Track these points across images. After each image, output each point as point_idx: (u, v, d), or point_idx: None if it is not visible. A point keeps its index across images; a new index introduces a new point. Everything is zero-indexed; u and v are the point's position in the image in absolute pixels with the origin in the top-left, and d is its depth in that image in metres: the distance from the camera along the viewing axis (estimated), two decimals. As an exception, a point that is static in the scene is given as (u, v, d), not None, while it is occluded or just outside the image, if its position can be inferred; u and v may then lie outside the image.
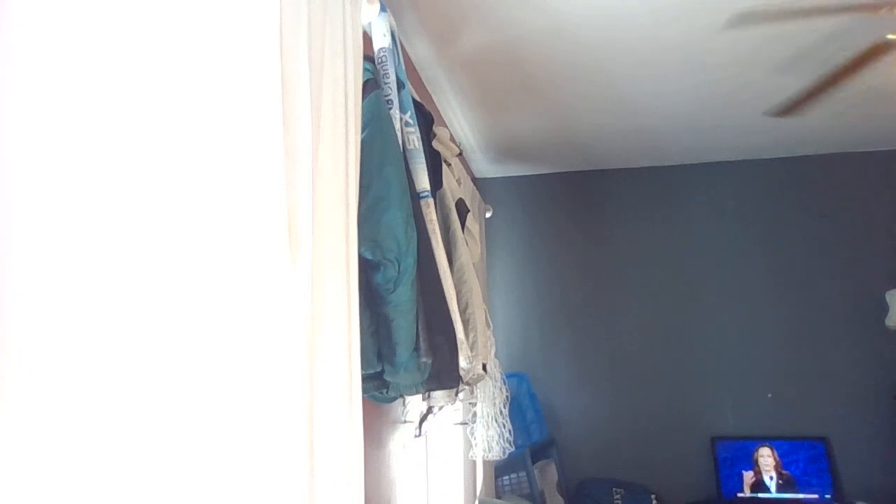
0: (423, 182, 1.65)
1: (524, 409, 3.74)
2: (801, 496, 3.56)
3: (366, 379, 1.37)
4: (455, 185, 2.34)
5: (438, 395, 2.04)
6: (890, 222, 3.79)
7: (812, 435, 3.67)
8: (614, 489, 3.67)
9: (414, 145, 1.64)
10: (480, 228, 3.30)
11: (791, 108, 2.50)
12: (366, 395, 1.50)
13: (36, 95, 0.68)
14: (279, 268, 0.90)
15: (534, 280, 4.16)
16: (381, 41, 1.57)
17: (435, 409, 2.22)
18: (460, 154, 2.70)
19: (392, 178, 1.38)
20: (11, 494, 0.61)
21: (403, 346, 1.37)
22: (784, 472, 3.61)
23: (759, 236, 3.93)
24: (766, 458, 3.65)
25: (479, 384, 2.56)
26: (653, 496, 3.65)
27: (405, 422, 2.15)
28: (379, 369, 1.40)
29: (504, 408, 2.91)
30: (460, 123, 3.31)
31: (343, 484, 1.01)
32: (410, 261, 1.36)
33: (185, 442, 0.79)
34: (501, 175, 4.28)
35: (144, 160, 0.78)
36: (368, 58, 1.48)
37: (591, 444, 3.90)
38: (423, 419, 2.21)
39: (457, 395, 2.15)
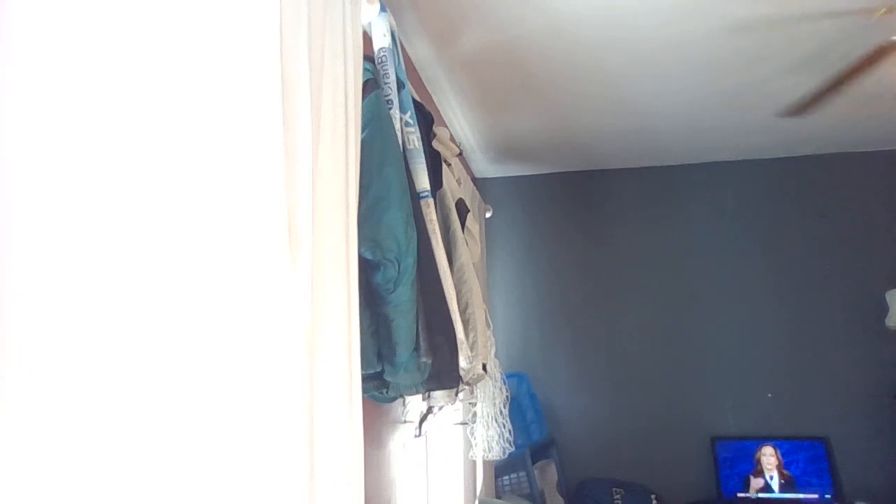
0: (423, 182, 1.65)
1: (524, 409, 3.74)
2: (801, 496, 3.56)
3: (366, 379, 1.37)
4: (455, 185, 2.34)
5: (438, 395, 2.04)
6: (890, 222, 3.79)
7: (812, 435, 3.67)
8: (614, 489, 3.67)
9: (414, 145, 1.64)
10: (480, 228, 3.30)
11: (802, 108, 2.50)
12: (366, 395, 1.50)
13: (36, 95, 0.68)
14: (279, 268, 0.90)
15: (534, 280, 4.16)
16: (381, 41, 1.57)
17: (435, 409, 2.22)
18: (460, 154, 2.70)
19: (392, 178, 1.38)
20: (11, 494, 0.61)
21: (403, 346, 1.37)
22: (785, 472, 3.61)
23: (759, 236, 3.93)
24: (769, 457, 3.65)
25: (479, 384, 2.56)
26: (653, 496, 3.65)
27: (405, 422, 2.15)
28: (379, 369, 1.40)
29: (504, 408, 2.91)
30: (460, 123, 3.31)
31: (343, 484, 1.01)
32: (410, 261, 1.36)
33: (186, 442, 0.79)
34: (501, 175, 4.28)
35: (145, 160, 0.78)
36: (368, 58, 1.48)
37: (591, 444, 3.90)
38: (423, 419, 2.21)
39: (457, 395, 2.15)
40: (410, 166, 1.61)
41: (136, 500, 0.72)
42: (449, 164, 2.27)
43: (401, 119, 1.60)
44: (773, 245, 3.91)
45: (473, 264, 2.15)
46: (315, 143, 1.05)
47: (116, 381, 0.72)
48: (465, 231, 2.16)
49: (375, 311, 1.37)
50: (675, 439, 3.82)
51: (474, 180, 3.82)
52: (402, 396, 1.81)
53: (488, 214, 3.70)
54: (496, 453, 2.88)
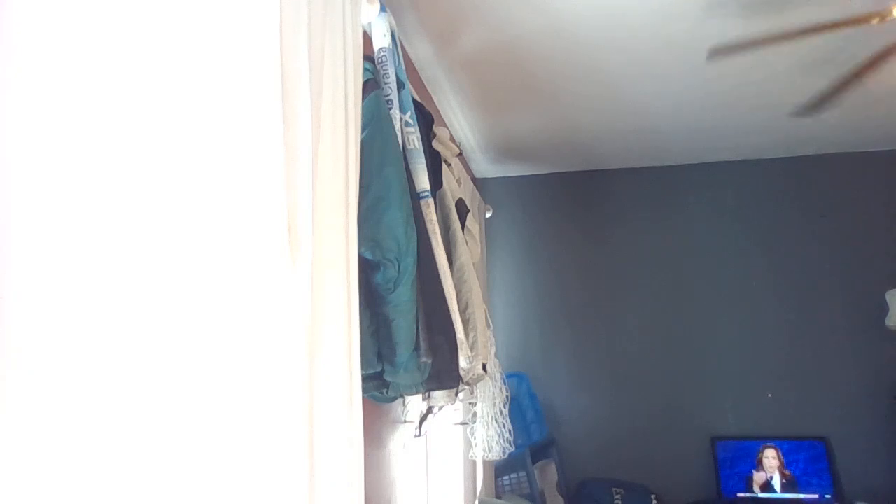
0: (423, 182, 1.65)
1: (524, 409, 3.74)
2: (801, 496, 3.56)
3: (366, 379, 1.37)
4: (455, 185, 2.34)
5: (438, 395, 2.04)
6: (890, 222, 3.79)
7: (812, 435, 3.67)
8: (614, 489, 3.67)
9: (414, 145, 1.64)
10: (480, 228, 3.30)
11: (816, 105, 2.51)
12: (366, 395, 1.50)
13: (36, 95, 0.68)
14: (279, 268, 0.90)
15: (534, 280, 4.16)
16: (381, 41, 1.57)
17: (435, 409, 2.22)
18: (460, 154, 2.70)
19: (392, 178, 1.38)
20: (11, 494, 0.61)
21: (403, 346, 1.37)
22: (787, 472, 3.61)
23: (759, 236, 3.93)
24: (771, 458, 3.65)
25: (479, 384, 2.56)
26: (653, 496, 3.65)
27: (405, 422, 2.15)
28: (379, 369, 1.40)
29: (504, 408, 2.91)
30: (460, 123, 3.31)
31: (343, 484, 1.01)
32: (410, 261, 1.36)
33: (186, 442, 0.79)
34: (501, 175, 4.28)
35: (145, 160, 0.78)
36: (368, 58, 1.48)
37: (591, 444, 3.90)
38: (423, 419, 2.21)
39: (457, 395, 2.15)
40: (410, 166, 1.61)
41: (137, 500, 0.72)
42: (449, 164, 2.27)
43: (401, 119, 1.60)
44: (773, 245, 3.91)
45: (473, 264, 2.15)
46: (315, 143, 1.05)
47: (117, 382, 0.72)
48: (465, 231, 2.16)
49: (375, 311, 1.37)
50: (675, 439, 3.82)
51: (474, 180, 3.82)
52: (402, 396, 1.81)
53: (488, 214, 3.70)
54: (496, 453, 2.88)
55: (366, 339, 1.32)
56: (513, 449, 2.96)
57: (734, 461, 3.70)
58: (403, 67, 1.66)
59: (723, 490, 3.65)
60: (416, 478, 2.37)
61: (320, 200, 1.06)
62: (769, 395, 3.77)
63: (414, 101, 1.71)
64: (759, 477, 3.62)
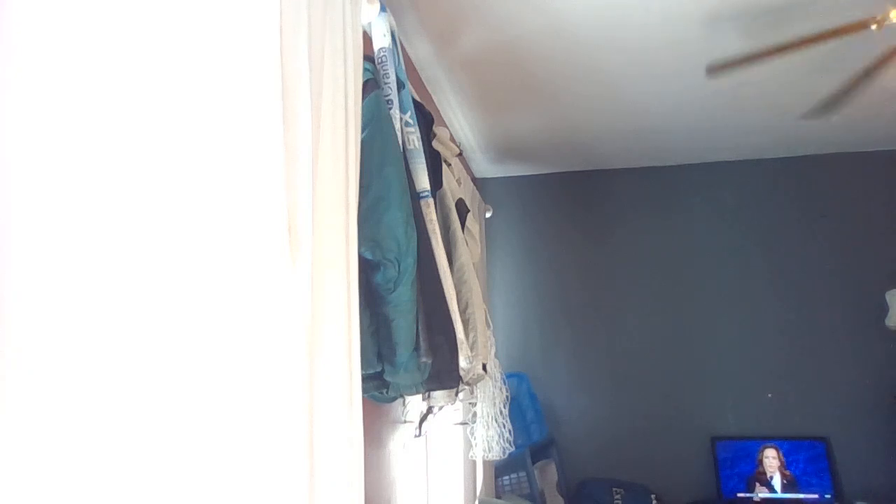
0: (423, 182, 1.65)
1: (524, 409, 3.74)
2: (801, 496, 3.56)
3: (366, 379, 1.37)
4: (455, 185, 2.34)
5: (438, 395, 2.04)
6: (890, 222, 3.79)
7: (812, 435, 3.67)
8: (614, 489, 3.67)
9: (414, 145, 1.64)
10: (480, 228, 3.30)
11: (826, 108, 2.51)
12: (366, 395, 1.50)
13: (36, 95, 0.68)
14: (279, 268, 0.90)
15: (534, 280, 4.16)
16: (381, 41, 1.57)
17: (435, 409, 2.22)
18: (460, 154, 2.70)
19: (392, 178, 1.38)
20: (11, 494, 0.61)
21: (403, 346, 1.37)
22: (787, 472, 3.61)
23: (759, 236, 3.93)
24: (772, 459, 3.65)
25: (479, 384, 2.56)
26: (653, 496, 3.65)
27: (405, 422, 2.15)
28: (379, 369, 1.40)
29: (504, 408, 2.91)
30: (460, 123, 3.31)
31: (343, 484, 1.01)
32: (410, 261, 1.36)
33: (186, 442, 0.79)
34: (501, 175, 4.28)
35: (145, 160, 0.78)
36: (368, 58, 1.47)
37: (591, 444, 3.90)
38: (423, 419, 2.21)
39: (457, 395, 2.15)
40: (410, 166, 1.61)
41: (137, 500, 0.72)
42: (449, 164, 2.27)
43: (401, 119, 1.60)
44: (773, 245, 3.91)
45: (473, 264, 2.15)
46: (315, 143, 1.05)
47: (117, 382, 0.72)
48: (465, 231, 2.16)
49: (375, 311, 1.37)
50: (675, 439, 3.82)
51: (474, 180, 3.82)
52: (402, 396, 1.81)
53: (488, 214, 3.70)
54: (496, 453, 2.88)
55: (366, 339, 1.32)
56: (513, 449, 2.96)
57: (734, 461, 3.70)
58: (403, 67, 1.66)
59: (723, 490, 3.65)
60: (416, 478, 2.37)
61: (320, 200, 1.06)
62: (769, 395, 3.77)
63: (414, 101, 1.71)
64: (760, 486, 3.61)
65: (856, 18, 2.02)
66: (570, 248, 4.15)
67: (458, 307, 1.82)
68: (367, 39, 1.56)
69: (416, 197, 1.59)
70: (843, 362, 3.72)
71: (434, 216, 1.67)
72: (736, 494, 3.63)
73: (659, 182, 4.09)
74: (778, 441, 3.68)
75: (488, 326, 2.42)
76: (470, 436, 2.94)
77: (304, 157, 0.99)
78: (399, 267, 1.34)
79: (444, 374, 1.55)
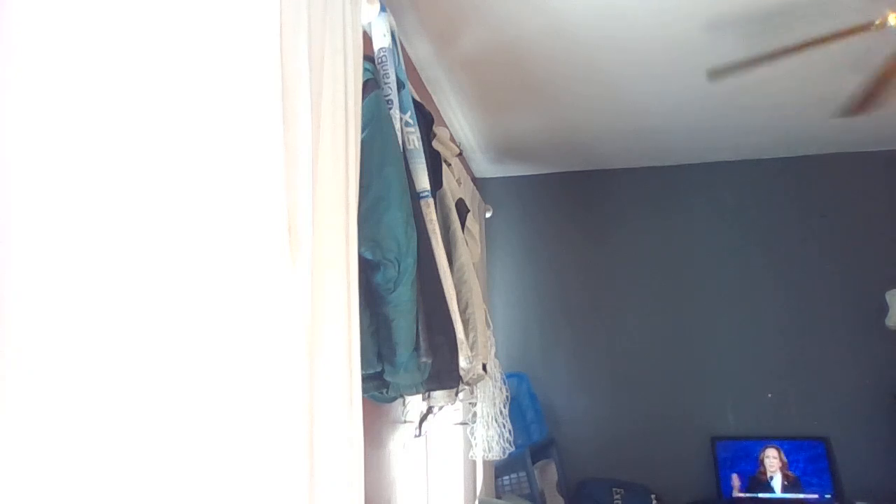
0: (423, 182, 1.65)
1: (524, 409, 3.74)
2: (801, 496, 3.56)
3: (366, 379, 1.37)
4: (455, 185, 2.34)
5: (438, 395, 2.04)
6: (890, 222, 3.79)
7: (812, 435, 3.67)
8: (614, 489, 3.67)
9: (414, 145, 1.64)
10: (480, 228, 3.30)
11: (858, 107, 2.51)
12: (366, 395, 1.50)
13: (36, 95, 0.68)
14: (279, 268, 0.90)
15: (534, 280, 4.16)
16: (381, 41, 1.57)
17: (435, 409, 2.22)
18: (460, 154, 2.69)
19: (392, 178, 1.38)
20: (11, 494, 0.61)
21: (403, 346, 1.37)
22: (789, 472, 3.61)
23: (759, 236, 3.93)
24: (773, 459, 3.65)
25: (479, 384, 2.56)
26: (653, 496, 3.65)
27: (405, 422, 2.15)
28: (379, 369, 1.40)
29: (504, 408, 2.91)
30: (460, 123, 3.31)
31: (343, 484, 1.01)
32: (410, 261, 1.36)
33: (186, 442, 0.79)
34: (501, 175, 4.28)
35: (145, 160, 0.78)
36: (368, 58, 1.48)
37: (591, 444, 3.90)
38: (423, 419, 2.21)
39: (457, 395, 2.15)
40: (410, 166, 1.61)
41: (137, 500, 0.72)
42: (449, 164, 2.27)
43: (401, 119, 1.60)
44: (773, 245, 3.91)
45: (473, 264, 2.15)
46: (315, 143, 1.05)
47: (117, 382, 0.72)
48: (465, 231, 2.16)
49: (375, 311, 1.37)
50: (675, 439, 3.81)
51: (474, 180, 3.82)
52: (402, 396, 1.81)
53: (488, 214, 3.70)
54: (496, 453, 2.88)
55: (366, 339, 1.32)
56: (513, 449, 2.96)
57: (734, 461, 3.70)
58: (403, 67, 1.66)
59: (723, 490, 3.65)
60: (416, 478, 2.37)
61: (320, 200, 1.06)
62: (769, 395, 3.77)
63: (414, 101, 1.71)
64: (762, 486, 3.61)
65: (855, 22, 2.02)
66: (570, 248, 4.15)
67: (458, 307, 1.82)
68: (367, 39, 1.56)
69: (416, 197, 1.59)
70: (843, 362, 3.72)
71: (434, 216, 1.67)
72: (735, 495, 3.63)
73: (659, 182, 4.09)
74: (778, 441, 3.68)
75: (488, 326, 2.42)
76: (470, 436, 2.94)
77: (304, 157, 0.99)
78: (399, 267, 1.34)
79: (444, 374, 1.55)
